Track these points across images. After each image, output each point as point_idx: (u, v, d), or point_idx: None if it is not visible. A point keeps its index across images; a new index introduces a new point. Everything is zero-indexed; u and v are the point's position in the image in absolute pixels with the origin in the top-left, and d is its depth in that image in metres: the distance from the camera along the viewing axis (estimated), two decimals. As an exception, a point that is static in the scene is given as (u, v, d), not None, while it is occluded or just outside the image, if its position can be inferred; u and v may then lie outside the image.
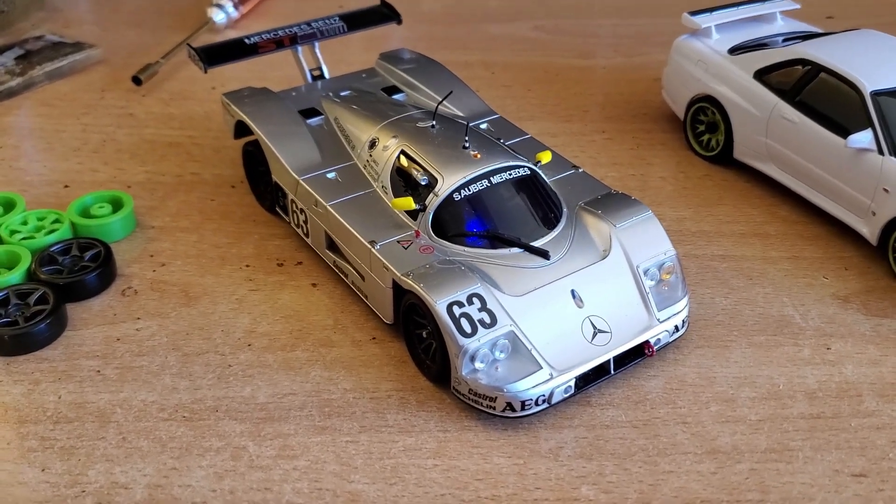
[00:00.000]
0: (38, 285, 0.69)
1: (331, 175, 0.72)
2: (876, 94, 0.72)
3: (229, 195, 0.83)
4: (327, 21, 0.87)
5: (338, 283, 0.72)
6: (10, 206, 0.79)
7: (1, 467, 0.57)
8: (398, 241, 0.65)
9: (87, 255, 0.73)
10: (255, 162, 0.79)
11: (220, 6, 1.12)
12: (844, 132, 0.73)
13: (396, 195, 0.68)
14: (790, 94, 0.79)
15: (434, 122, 0.71)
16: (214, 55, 0.82)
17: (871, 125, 0.71)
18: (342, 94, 0.81)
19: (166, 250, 0.76)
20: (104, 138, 0.93)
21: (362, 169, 0.72)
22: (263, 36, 0.84)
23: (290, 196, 0.73)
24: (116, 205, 0.79)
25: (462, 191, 0.65)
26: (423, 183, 0.66)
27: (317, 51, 0.86)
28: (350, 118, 0.76)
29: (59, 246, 0.73)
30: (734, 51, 0.86)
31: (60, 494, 0.55)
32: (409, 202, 0.65)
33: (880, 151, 0.71)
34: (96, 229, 0.76)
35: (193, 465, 0.57)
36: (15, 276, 0.70)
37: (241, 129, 0.80)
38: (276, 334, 0.67)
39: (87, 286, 0.71)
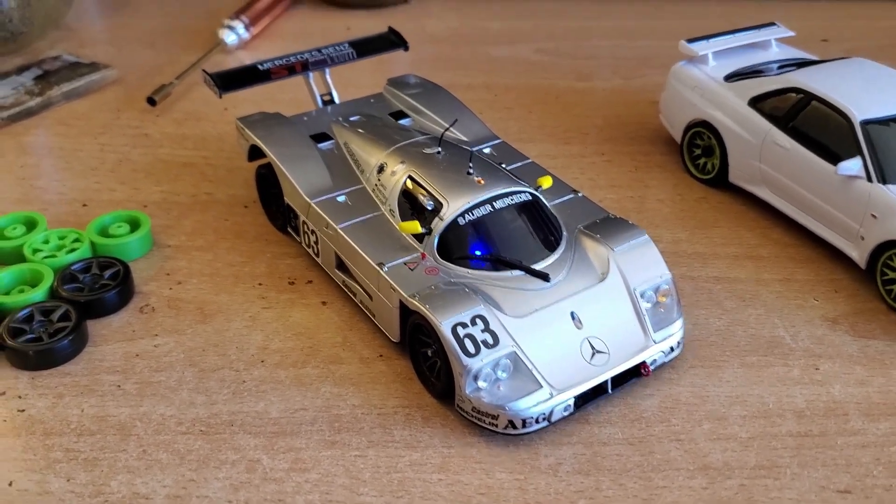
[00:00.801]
0: (61, 303, 0.72)
1: (341, 198, 0.75)
2: (865, 123, 0.76)
3: (243, 215, 0.86)
4: (337, 48, 0.90)
5: (346, 301, 0.75)
6: (32, 224, 0.82)
7: (28, 477, 0.60)
8: (405, 263, 0.68)
9: (107, 273, 0.76)
10: (267, 184, 0.82)
11: (231, 28, 1.16)
12: (835, 159, 0.76)
13: (403, 219, 0.71)
14: (783, 120, 0.82)
15: (440, 149, 0.74)
16: (229, 81, 0.86)
17: (861, 153, 0.75)
18: (351, 119, 0.85)
19: (182, 268, 0.79)
20: (120, 158, 0.96)
21: (371, 193, 0.75)
22: (276, 62, 0.87)
23: (302, 217, 0.76)
24: (134, 224, 0.82)
25: (466, 215, 0.68)
26: (429, 207, 0.69)
27: (327, 76, 0.89)
28: (359, 143, 0.80)
29: (79, 264, 0.76)
30: (730, 77, 0.90)
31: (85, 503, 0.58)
32: (415, 226, 0.68)
33: (869, 179, 0.74)
34: (115, 248, 0.79)
35: (210, 477, 0.60)
36: (38, 293, 0.73)
37: (255, 153, 0.83)
38: (288, 351, 0.70)
39: (107, 303, 0.74)
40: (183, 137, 0.99)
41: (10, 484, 0.59)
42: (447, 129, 0.78)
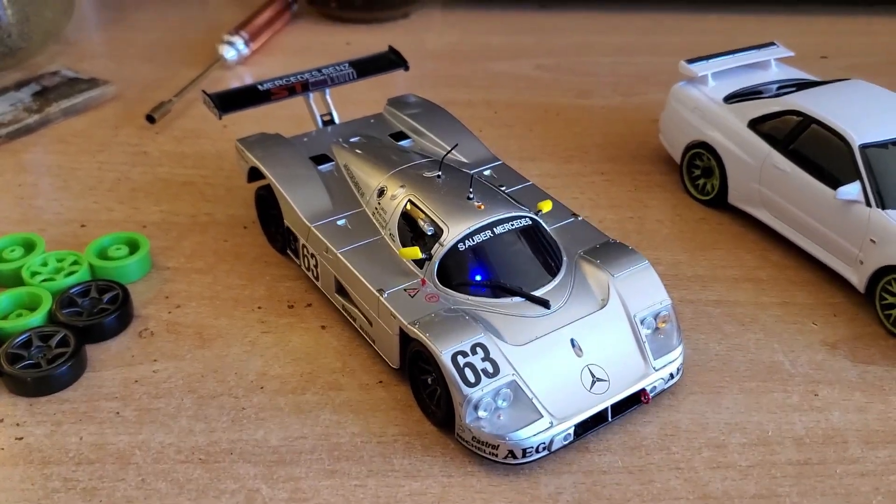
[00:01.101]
0: (60, 328, 0.72)
1: (341, 222, 0.75)
2: (864, 147, 0.76)
3: (242, 236, 0.86)
4: (337, 68, 0.90)
5: (346, 325, 0.75)
6: (30, 246, 0.82)
7: (26, 508, 0.60)
8: (405, 290, 0.68)
9: (106, 297, 0.76)
10: (267, 206, 0.82)
11: (230, 44, 1.16)
12: (834, 183, 0.76)
13: (404, 243, 0.71)
14: (783, 143, 0.82)
15: (440, 173, 0.74)
16: (229, 102, 0.86)
17: (860, 178, 0.75)
18: (351, 140, 0.85)
19: (181, 291, 0.79)
20: (119, 177, 0.96)
21: (371, 216, 0.75)
22: (276, 82, 0.87)
23: (302, 241, 0.76)
24: (133, 246, 0.82)
25: (466, 241, 0.68)
26: (429, 233, 0.69)
27: (328, 97, 0.89)
28: (359, 165, 0.79)
29: (78, 288, 0.76)
30: (729, 98, 0.90)
31: (83, 535, 0.58)
32: (415, 252, 0.68)
33: (868, 203, 0.74)
34: (114, 271, 0.79)
35: (209, 508, 0.60)
36: (37, 318, 0.73)
37: (255, 174, 0.83)
38: (287, 377, 0.70)
39: (106, 328, 0.73)
40: (182, 156, 0.99)
41: (8, 514, 0.59)
42: (448, 153, 0.78)
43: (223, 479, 0.61)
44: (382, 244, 0.72)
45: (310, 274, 0.77)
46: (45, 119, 1.04)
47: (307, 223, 0.75)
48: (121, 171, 0.96)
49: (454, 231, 0.68)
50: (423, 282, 0.68)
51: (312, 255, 0.75)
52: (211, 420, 0.66)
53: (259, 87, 0.87)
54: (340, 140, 0.85)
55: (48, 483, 0.61)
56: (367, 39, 1.28)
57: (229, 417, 0.66)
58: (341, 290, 0.73)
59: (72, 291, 0.76)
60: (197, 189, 0.93)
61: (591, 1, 1.41)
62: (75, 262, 0.79)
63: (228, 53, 1.15)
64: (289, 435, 0.65)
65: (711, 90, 0.91)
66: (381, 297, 0.67)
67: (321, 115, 0.89)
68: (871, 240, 0.73)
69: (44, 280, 0.77)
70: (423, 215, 0.70)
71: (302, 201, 0.77)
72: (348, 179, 0.80)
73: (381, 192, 0.75)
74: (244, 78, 1.17)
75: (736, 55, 0.94)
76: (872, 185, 0.74)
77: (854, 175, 0.75)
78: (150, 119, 1.02)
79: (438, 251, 0.68)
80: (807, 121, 0.80)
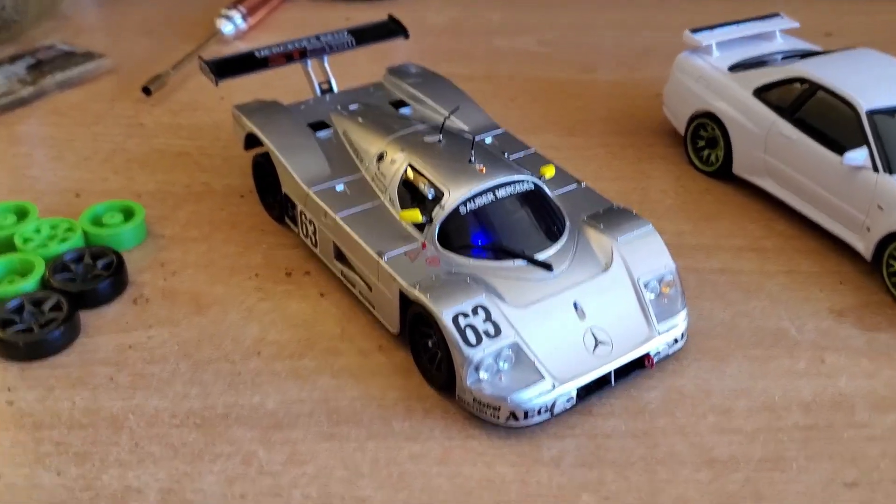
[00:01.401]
0: (52, 293, 0.71)
1: (339, 187, 0.74)
2: (872, 113, 0.74)
3: (238, 205, 0.85)
4: (336, 35, 0.89)
5: (345, 293, 0.73)
6: (23, 214, 0.80)
7: (17, 471, 0.58)
8: (405, 253, 0.66)
9: (100, 263, 0.74)
10: (264, 173, 0.81)
11: (228, 18, 1.14)
12: (841, 149, 0.75)
13: (403, 208, 0.69)
14: (788, 111, 0.81)
15: (441, 137, 0.73)
16: (225, 68, 0.84)
17: (867, 143, 0.73)
18: (350, 107, 0.83)
19: (177, 259, 0.78)
20: (114, 148, 0.94)
21: (370, 182, 0.74)
22: (273, 50, 0.86)
23: (300, 207, 0.75)
24: (128, 214, 0.80)
25: (468, 204, 0.67)
26: (429, 196, 0.68)
27: (326, 65, 0.88)
28: (358, 132, 0.78)
29: (72, 254, 0.75)
30: (734, 68, 0.88)
31: (76, 498, 0.56)
32: (416, 215, 0.67)
33: (875, 169, 0.73)
34: (108, 238, 0.78)
35: (205, 471, 0.58)
36: (29, 283, 0.72)
37: (252, 141, 0.81)
38: (285, 343, 0.69)
39: (100, 294, 0.72)
40: (178, 127, 0.98)
41: (-1, 477, 0.58)
42: (448, 117, 0.77)
43: (219, 443, 0.60)
44: (382, 209, 0.71)
45: (308, 241, 0.76)
46: (40, 91, 1.02)
47: (305, 188, 0.74)
48: (116, 143, 0.95)
49: (455, 194, 0.66)
50: (424, 245, 0.67)
51: (311, 222, 0.74)
52: (207, 385, 0.65)
53: (256, 53, 0.86)
54: (339, 107, 0.83)
55: (40, 447, 0.60)
56: (367, 15, 1.25)
57: (225, 382, 0.65)
58: (340, 257, 0.72)
59: (65, 258, 0.74)
60: (193, 159, 0.92)
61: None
62: (69, 229, 0.78)
63: (226, 28, 1.14)
64: (286, 399, 0.64)
65: (716, 60, 0.90)
66: (380, 261, 0.66)
67: (319, 83, 0.87)
68: (879, 206, 0.72)
69: (36, 247, 0.76)
70: (423, 179, 0.69)
71: (300, 167, 0.75)
72: (347, 146, 0.78)
73: (381, 157, 0.73)
74: (241, 50, 1.16)
75: (741, 25, 0.93)
76: (880, 150, 0.73)
77: (861, 141, 0.74)
78: (147, 91, 1.01)
79: (439, 214, 0.66)
80: (813, 88, 0.79)
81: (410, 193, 0.70)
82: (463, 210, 0.66)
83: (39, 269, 0.73)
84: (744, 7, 1.31)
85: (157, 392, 0.64)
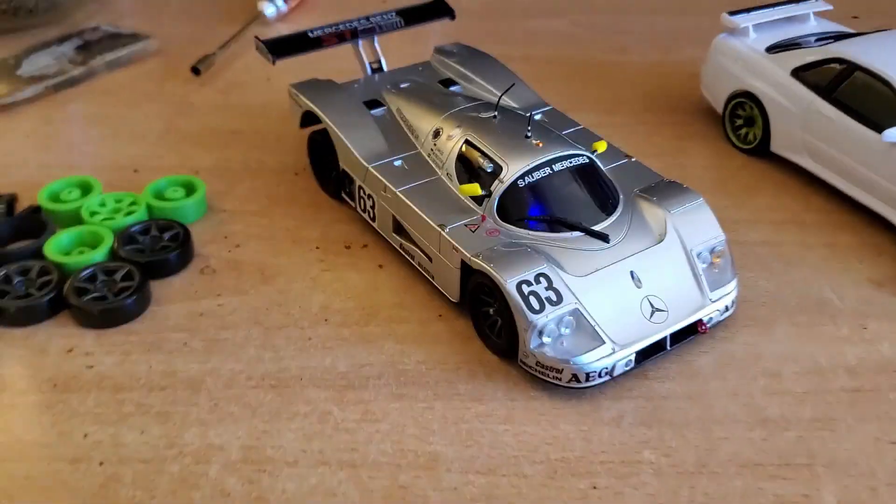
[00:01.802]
0: (123, 263, 0.74)
1: (397, 163, 0.76)
2: (910, 91, 0.77)
3: (294, 182, 0.88)
4: (385, 16, 0.91)
5: (402, 265, 0.76)
6: (87, 189, 0.83)
7: (103, 430, 0.61)
8: (465, 225, 0.69)
9: (167, 235, 0.77)
10: (320, 150, 0.84)
11: (270, 0, 1.17)
12: (878, 127, 0.78)
13: (461, 182, 0.72)
14: (826, 90, 0.83)
15: (496, 113, 0.75)
16: (281, 48, 0.87)
17: (906, 120, 0.76)
18: (402, 86, 0.86)
19: (239, 232, 0.80)
20: (167, 126, 0.97)
21: (426, 157, 0.76)
22: (326, 30, 0.88)
23: (358, 182, 0.78)
24: (189, 189, 0.83)
25: (526, 177, 0.69)
26: (488, 170, 0.71)
27: (376, 45, 0.90)
28: (413, 109, 0.81)
29: (138, 226, 0.78)
30: (771, 49, 0.91)
31: (160, 455, 0.60)
32: (475, 188, 0.69)
33: (915, 145, 0.76)
34: (171, 211, 0.81)
35: (283, 428, 0.61)
36: (99, 254, 0.75)
37: (308, 119, 0.84)
38: (350, 311, 0.72)
39: (168, 264, 0.75)
40: (228, 106, 1.00)
41: (85, 436, 0.61)
42: (503, 94, 0.79)
43: (295, 402, 0.63)
44: (440, 183, 0.74)
45: (365, 216, 0.79)
46: (90, 72, 1.05)
47: (365, 164, 0.76)
48: (169, 121, 0.98)
49: (513, 168, 0.69)
50: (483, 218, 0.69)
51: (369, 196, 0.77)
52: (279, 349, 0.68)
53: (309, 33, 0.88)
54: (390, 86, 0.86)
55: (122, 408, 0.63)
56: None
57: (296, 347, 0.68)
58: (399, 230, 0.75)
59: (132, 229, 0.77)
60: (245, 138, 0.95)
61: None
62: (133, 203, 0.81)
63: (268, 10, 1.16)
64: (355, 362, 0.67)
65: (753, 42, 0.93)
66: (442, 232, 0.69)
67: (370, 63, 0.90)
68: (919, 180, 0.75)
69: (103, 220, 0.79)
70: (481, 154, 0.72)
71: (358, 143, 0.78)
72: (402, 123, 0.81)
73: (437, 134, 0.76)
74: (282, 32, 1.18)
75: (776, 8, 0.95)
76: (919, 127, 0.76)
77: (901, 118, 0.77)
78: (196, 71, 1.03)
79: (498, 188, 0.69)
80: (850, 68, 0.82)
81: (467, 168, 0.73)
82: (521, 183, 0.69)
83: (108, 241, 0.76)
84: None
85: (232, 356, 0.67)
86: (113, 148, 0.93)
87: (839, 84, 0.83)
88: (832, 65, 0.84)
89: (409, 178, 0.74)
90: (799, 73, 0.86)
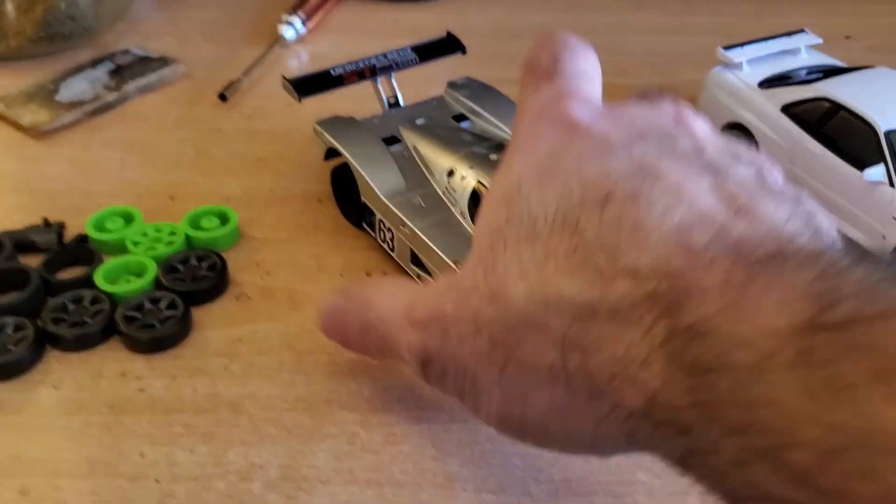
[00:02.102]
0: (167, 292, 0.81)
1: (415, 199, 0.83)
2: (889, 133, 0.83)
3: (318, 209, 0.94)
4: (401, 53, 0.97)
5: (420, 291, 0.83)
6: (129, 218, 0.90)
7: (157, 450, 0.69)
8: None
9: (205, 264, 0.84)
10: (343, 182, 0.90)
11: (289, 23, 1.23)
12: (861, 165, 0.85)
13: (474, 221, 0.79)
14: (814, 127, 0.90)
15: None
16: (307, 87, 0.93)
17: (885, 161, 0.83)
18: (418, 122, 0.92)
19: (270, 259, 0.88)
20: (199, 152, 1.04)
21: (441, 195, 0.83)
22: (347, 68, 0.95)
23: (378, 216, 0.85)
24: (223, 218, 0.90)
25: None
26: None
27: (393, 81, 0.97)
28: (428, 147, 0.87)
29: (179, 256, 0.85)
30: (763, 83, 0.97)
31: (208, 473, 0.67)
32: None
33: (891, 184, 0.82)
34: (207, 241, 0.88)
35: (316, 449, 0.69)
36: (145, 283, 0.82)
37: (331, 153, 0.91)
38: (372, 337, 0.79)
39: (207, 292, 0.82)
40: (254, 132, 1.07)
41: (142, 455, 0.68)
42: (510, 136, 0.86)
43: (326, 425, 0.71)
44: (455, 220, 0.81)
45: (385, 246, 0.86)
46: (123, 97, 1.11)
47: (384, 199, 0.83)
48: (199, 147, 1.05)
49: None
50: None
51: (388, 229, 0.84)
52: (309, 373, 0.75)
53: (332, 72, 0.95)
54: (407, 123, 0.93)
55: (172, 429, 0.71)
56: (415, 16, 1.35)
57: (325, 371, 0.76)
58: (416, 261, 0.82)
59: (173, 259, 0.85)
60: (271, 164, 1.01)
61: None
62: (172, 233, 0.88)
63: (287, 33, 1.22)
64: (379, 386, 0.74)
65: (746, 76, 0.99)
66: (455, 268, 0.75)
67: (387, 98, 0.96)
68: (894, 217, 0.82)
69: (146, 249, 0.86)
70: None
71: (378, 179, 0.85)
72: (418, 160, 0.88)
73: (451, 173, 0.83)
74: (301, 55, 1.25)
75: (769, 42, 1.01)
76: (896, 167, 0.82)
77: (880, 159, 0.83)
78: (223, 98, 1.10)
79: None
80: (836, 107, 0.88)
81: (475, 209, 0.79)
82: None
83: (152, 271, 0.83)
84: (768, 5, 1.39)
85: (268, 379, 0.75)
86: (149, 174, 1.00)
87: (825, 122, 0.89)
88: (820, 102, 0.90)
89: (426, 215, 0.81)
90: (789, 109, 0.93)
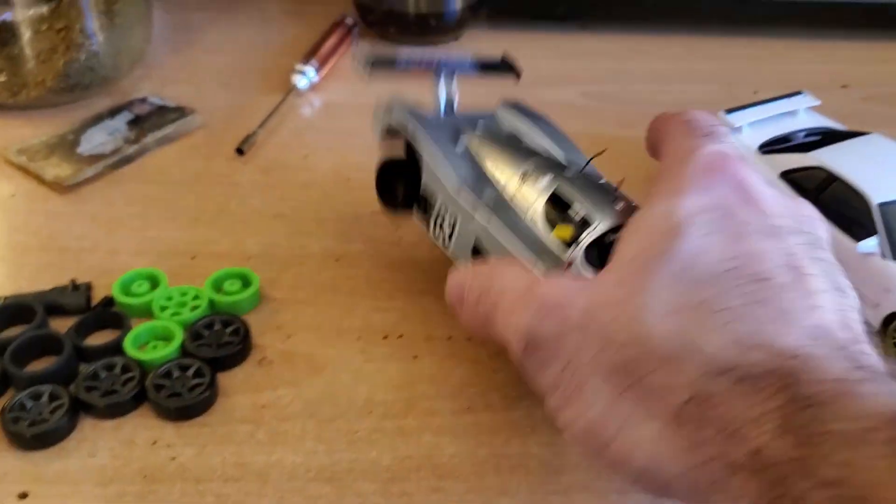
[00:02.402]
0: (195, 360, 0.85)
1: (483, 197, 0.82)
2: (882, 206, 0.87)
3: (334, 268, 0.98)
4: (461, 59, 0.97)
5: (434, 355, 0.87)
6: (154, 280, 0.94)
7: (188, 521, 0.73)
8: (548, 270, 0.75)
9: (229, 329, 0.88)
10: (396, 172, 0.89)
11: (302, 73, 1.26)
12: (855, 234, 0.88)
13: (550, 227, 0.77)
14: (811, 194, 0.94)
15: (579, 170, 0.82)
16: (378, 66, 0.93)
17: (878, 233, 0.86)
18: (478, 126, 0.91)
19: (290, 322, 0.91)
20: (218, 208, 1.07)
21: (509, 200, 0.81)
22: (413, 58, 0.95)
23: (438, 208, 0.84)
24: (244, 280, 0.94)
25: (609, 234, 0.73)
26: (576, 220, 0.75)
27: (454, 84, 0.95)
28: (495, 151, 0.86)
29: (203, 321, 0.89)
30: (763, 147, 1.01)
31: (238, 542, 0.71)
32: (567, 231, 0.74)
33: (884, 256, 0.86)
34: (230, 305, 0.91)
35: (339, 520, 0.73)
36: (172, 349, 0.86)
37: (387, 133, 0.90)
38: (391, 403, 0.83)
39: (232, 358, 0.86)
40: (270, 187, 1.11)
41: (173, 525, 0.73)
42: (594, 157, 0.86)
43: (348, 495, 0.75)
44: (523, 224, 0.79)
45: (438, 242, 0.87)
46: (143, 149, 1.15)
47: (456, 186, 0.83)
48: (218, 203, 1.08)
49: (602, 224, 0.74)
50: (569, 264, 0.74)
51: (451, 224, 0.83)
52: (331, 442, 0.79)
53: (398, 60, 0.94)
54: (468, 126, 0.91)
55: (203, 499, 0.74)
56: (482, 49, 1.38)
57: (346, 440, 0.79)
58: (476, 252, 0.82)
59: (198, 324, 0.88)
60: (289, 222, 1.05)
61: (625, 21, 1.51)
62: (196, 297, 0.92)
63: (301, 83, 1.26)
64: (397, 455, 0.78)
65: (746, 137, 1.03)
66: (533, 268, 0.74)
67: (445, 100, 0.94)
68: (886, 288, 0.86)
69: (171, 314, 0.90)
70: (568, 205, 0.77)
71: (448, 170, 0.84)
72: (482, 161, 0.86)
73: (524, 177, 0.81)
74: (314, 102, 1.28)
75: (768, 105, 1.05)
76: (889, 240, 0.86)
77: (873, 230, 0.87)
78: (240, 152, 1.13)
79: (585, 238, 0.74)
80: (831, 177, 0.92)
81: (554, 214, 0.77)
82: (607, 239, 0.73)
83: (178, 336, 0.87)
84: (766, 49, 1.43)
85: (292, 448, 0.79)
86: (171, 232, 1.03)
87: (822, 190, 0.93)
88: (816, 171, 0.94)
89: (496, 213, 0.80)
90: (788, 175, 0.96)
